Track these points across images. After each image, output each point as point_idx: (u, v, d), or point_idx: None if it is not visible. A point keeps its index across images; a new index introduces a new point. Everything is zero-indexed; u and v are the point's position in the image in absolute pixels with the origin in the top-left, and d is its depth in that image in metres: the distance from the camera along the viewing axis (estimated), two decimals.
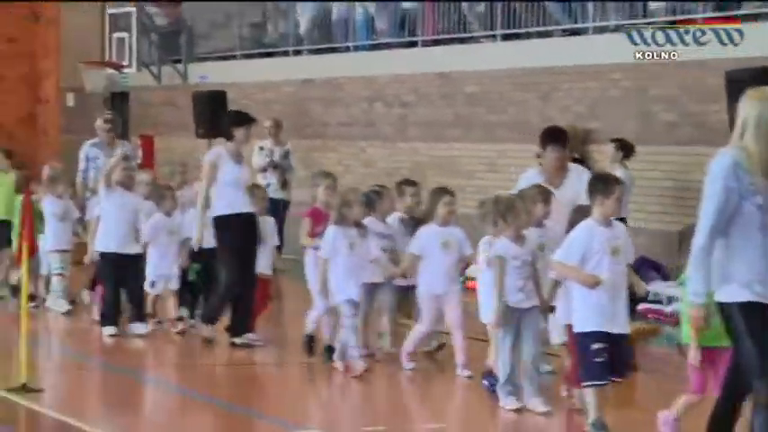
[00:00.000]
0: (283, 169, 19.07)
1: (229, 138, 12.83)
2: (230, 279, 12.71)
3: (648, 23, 16.43)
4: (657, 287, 15.42)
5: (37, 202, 14.40)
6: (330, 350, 11.75)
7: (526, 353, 9.86)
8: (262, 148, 19.10)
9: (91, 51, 27.11)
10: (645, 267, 15.05)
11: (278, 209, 17.08)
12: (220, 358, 12.58)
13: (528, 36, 18.41)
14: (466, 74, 19.05)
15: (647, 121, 16.24)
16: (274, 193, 18.09)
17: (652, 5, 16.65)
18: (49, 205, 14.72)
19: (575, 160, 16.21)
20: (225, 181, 12.62)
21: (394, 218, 12.30)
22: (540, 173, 11.51)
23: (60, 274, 14.78)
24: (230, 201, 12.62)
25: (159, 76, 25.58)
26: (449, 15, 19.77)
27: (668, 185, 16.07)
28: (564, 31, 17.88)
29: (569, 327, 9.35)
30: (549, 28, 18.09)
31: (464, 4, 19.33)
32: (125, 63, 25.86)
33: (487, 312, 10.31)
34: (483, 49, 19.08)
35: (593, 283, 8.82)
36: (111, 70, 26.25)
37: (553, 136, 11.77)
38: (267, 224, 13.26)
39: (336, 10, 22.23)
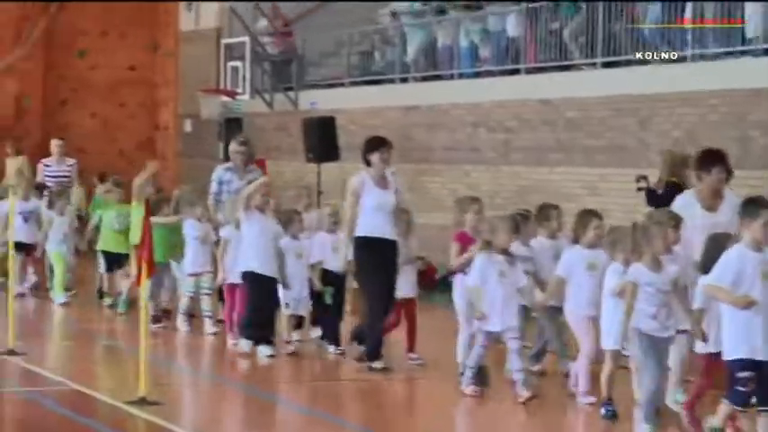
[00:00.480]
0: None
1: (368, 164, 12.51)
2: (371, 305, 12.46)
3: (743, 52, 16.43)
4: None
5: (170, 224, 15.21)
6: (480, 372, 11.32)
7: (657, 381, 9.57)
8: None
9: (207, 80, 27.45)
10: None
11: None
12: (347, 376, 12.64)
13: (627, 63, 18.41)
14: (566, 100, 19.08)
15: (745, 145, 16.16)
16: None
17: (749, 33, 16.57)
18: (190, 228, 14.88)
19: (673, 184, 16.22)
20: (368, 206, 12.32)
21: (538, 241, 12.17)
22: (695, 196, 10.93)
23: (207, 294, 14.83)
24: (372, 225, 12.30)
25: (271, 102, 25.87)
26: (550, 44, 19.84)
27: None
28: (662, 58, 17.86)
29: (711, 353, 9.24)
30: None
31: (565, 33, 19.38)
32: (239, 91, 26.19)
33: (609, 338, 10.18)
34: (583, 76, 19.09)
35: (746, 304, 8.60)
36: (225, 98, 26.60)
37: (717, 157, 11.00)
38: (409, 246, 12.84)
39: (441, 39, 22.40)
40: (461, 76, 21.74)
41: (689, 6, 17.28)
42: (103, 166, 26.56)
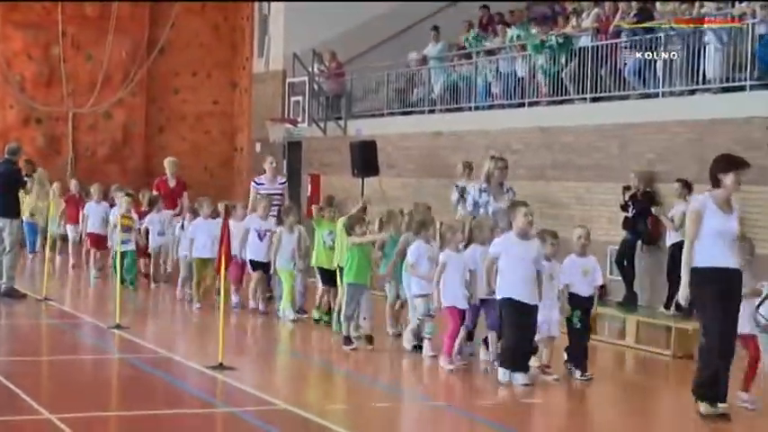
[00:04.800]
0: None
1: (716, 184, 9.24)
2: (709, 343, 9.06)
3: (706, 89, 16.33)
4: None
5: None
6: None
7: None
8: (457, 186, 17.47)
9: (274, 111, 27.61)
10: None
11: None
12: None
13: (610, 99, 18.35)
14: (562, 128, 19.02)
15: (703, 165, 16.03)
16: None
17: (709, 74, 16.48)
18: (421, 249, 11.81)
19: (645, 194, 16.22)
20: (708, 232, 9.13)
21: None
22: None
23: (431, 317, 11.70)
24: (713, 253, 9.10)
25: (325, 129, 25.92)
26: (550, 81, 19.79)
27: None
28: (639, 94, 17.78)
29: None
30: (628, 92, 18.02)
31: (562, 73, 19.32)
32: (299, 120, 26.33)
33: None
34: (575, 108, 19.04)
35: None
36: (288, 125, 26.74)
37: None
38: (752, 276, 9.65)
39: (462, 77, 22.39)
40: (477, 108, 21.71)
41: (660, 57, 17.21)
42: (192, 181, 26.74)
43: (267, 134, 27.15)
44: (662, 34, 17.13)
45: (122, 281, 16.00)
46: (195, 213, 15.98)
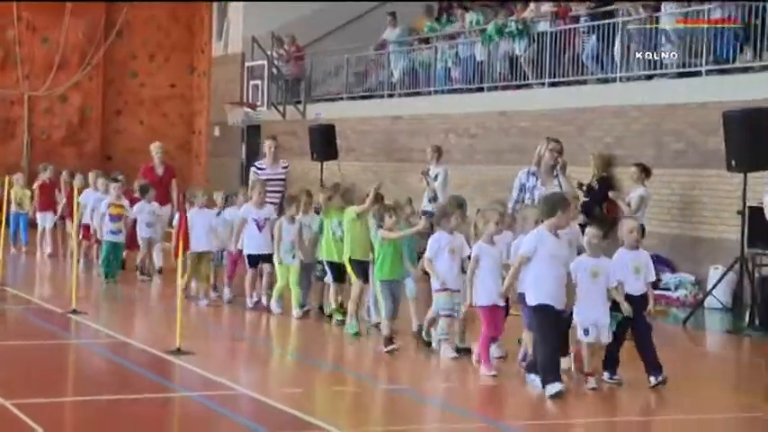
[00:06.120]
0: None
1: None
2: None
3: (663, 75, 16.39)
4: (667, 278, 15.37)
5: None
6: None
7: None
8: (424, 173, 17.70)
9: (233, 95, 27.46)
10: (658, 263, 15.01)
11: None
12: None
13: (569, 83, 18.39)
14: (520, 112, 19.06)
15: (660, 149, 16.15)
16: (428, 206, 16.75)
17: (666, 59, 16.54)
18: (442, 240, 10.51)
19: (603, 179, 16.24)
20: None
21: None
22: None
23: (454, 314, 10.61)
24: None
25: (284, 113, 25.83)
26: (508, 66, 19.79)
27: (675, 200, 15.97)
28: (597, 79, 17.83)
29: None
30: (585, 77, 18.06)
31: (520, 58, 19.33)
32: (258, 103, 26.18)
33: None
34: (533, 93, 19.08)
35: None
36: (247, 109, 26.59)
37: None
38: None
39: (421, 62, 22.35)
40: (436, 92, 21.69)
41: (617, 40, 17.24)
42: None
43: (226, 118, 27.01)
44: (620, 20, 17.18)
45: (106, 275, 15.67)
46: (191, 204, 14.24)
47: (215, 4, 28.79)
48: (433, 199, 17.23)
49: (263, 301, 13.54)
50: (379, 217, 11.18)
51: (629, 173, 15.90)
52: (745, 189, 13.30)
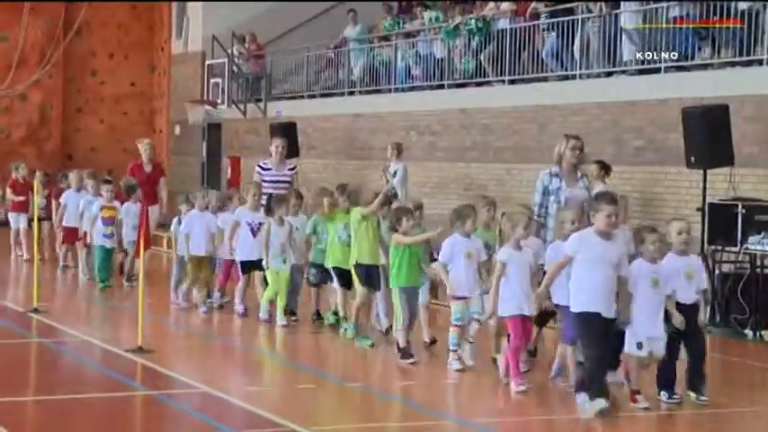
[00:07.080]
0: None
1: None
2: None
3: (622, 71, 16.44)
4: None
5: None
6: None
7: None
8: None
9: (193, 93, 27.29)
10: None
11: None
12: None
13: (529, 81, 18.40)
14: (481, 110, 19.06)
15: (620, 146, 16.20)
16: None
17: (626, 57, 16.59)
18: (460, 244, 9.82)
19: None
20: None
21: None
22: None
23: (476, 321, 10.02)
24: None
25: (245, 111, 25.68)
26: (469, 64, 19.79)
27: (636, 197, 16.02)
28: (557, 76, 17.86)
29: None
30: (546, 74, 18.09)
31: (481, 55, 19.34)
32: (219, 101, 26.03)
33: None
34: (494, 90, 19.08)
35: None
36: (208, 107, 26.44)
37: None
38: None
39: (381, 60, 22.30)
40: (397, 90, 21.66)
41: (577, 38, 17.28)
42: (111, 162, 26.37)
43: (186, 116, 26.84)
44: (579, 17, 17.22)
45: (102, 280, 14.89)
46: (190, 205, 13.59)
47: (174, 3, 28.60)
48: (393, 196, 17.07)
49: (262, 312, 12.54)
50: (395, 219, 10.32)
51: (589, 170, 15.95)
52: (705, 186, 13.36)
